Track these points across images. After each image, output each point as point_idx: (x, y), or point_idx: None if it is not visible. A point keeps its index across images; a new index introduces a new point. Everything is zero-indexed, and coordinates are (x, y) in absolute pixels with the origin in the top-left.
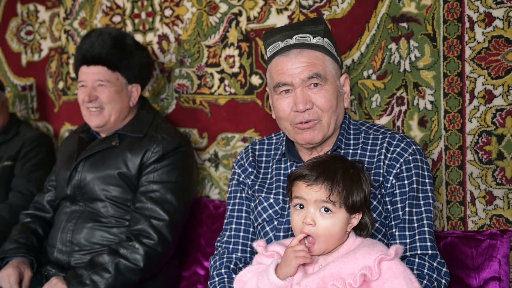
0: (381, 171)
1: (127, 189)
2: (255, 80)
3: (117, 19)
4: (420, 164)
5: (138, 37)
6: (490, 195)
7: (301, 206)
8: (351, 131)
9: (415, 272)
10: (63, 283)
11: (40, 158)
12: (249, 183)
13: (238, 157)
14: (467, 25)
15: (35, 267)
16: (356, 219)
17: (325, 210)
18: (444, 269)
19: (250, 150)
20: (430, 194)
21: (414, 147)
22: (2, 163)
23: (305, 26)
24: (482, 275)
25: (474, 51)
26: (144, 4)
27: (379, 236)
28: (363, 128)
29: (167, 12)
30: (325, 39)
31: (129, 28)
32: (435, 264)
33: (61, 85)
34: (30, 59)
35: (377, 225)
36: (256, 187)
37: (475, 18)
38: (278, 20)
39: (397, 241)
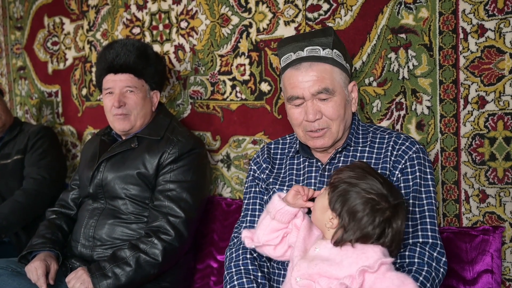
0: (388, 165)
1: (145, 188)
2: (264, 87)
3: (136, 30)
4: (422, 161)
5: (156, 47)
6: (483, 193)
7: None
8: (360, 131)
9: (416, 260)
10: (87, 275)
11: (46, 147)
12: (264, 177)
13: (255, 155)
14: (461, 36)
15: (60, 260)
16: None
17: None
18: (444, 259)
19: (266, 149)
20: (431, 188)
21: (417, 146)
22: (12, 157)
23: (316, 37)
24: (475, 268)
25: (467, 60)
26: (161, 17)
27: None
28: (371, 129)
29: (183, 24)
30: (334, 50)
31: (147, 39)
32: (435, 254)
33: (84, 91)
34: (56, 67)
35: None
36: (271, 180)
37: (468, 29)
38: (285, 31)
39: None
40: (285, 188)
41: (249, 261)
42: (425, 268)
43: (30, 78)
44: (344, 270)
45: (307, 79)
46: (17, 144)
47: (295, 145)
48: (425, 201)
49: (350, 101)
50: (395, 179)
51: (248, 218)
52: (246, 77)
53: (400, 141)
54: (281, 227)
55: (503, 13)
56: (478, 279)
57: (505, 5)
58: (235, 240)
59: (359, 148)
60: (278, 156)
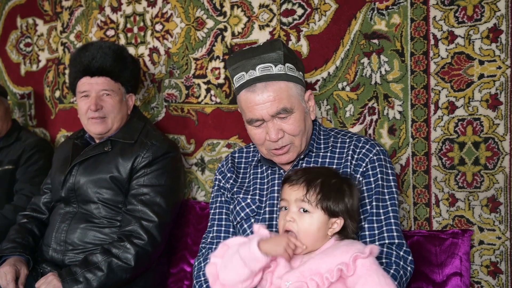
0: (349, 170)
1: (118, 192)
2: None
3: (111, 32)
4: (383, 163)
5: (131, 50)
6: (453, 197)
7: (285, 208)
8: (322, 137)
9: (384, 260)
10: (58, 280)
11: (42, 163)
12: (228, 186)
13: (219, 165)
14: (432, 42)
15: (31, 265)
16: (338, 225)
17: (303, 210)
18: (410, 257)
19: (230, 159)
20: (394, 189)
21: (378, 148)
22: (3, 166)
23: (265, 52)
24: (445, 271)
25: (438, 66)
26: (136, 19)
27: None
28: (332, 133)
29: (158, 27)
30: (286, 64)
31: (122, 41)
32: (401, 253)
33: (57, 93)
34: (29, 69)
35: None
36: (235, 189)
37: (439, 36)
38: (260, 35)
39: (366, 233)
40: (249, 197)
41: None
42: (393, 267)
43: (2, 80)
44: (337, 259)
45: (264, 100)
46: (11, 153)
47: (258, 154)
48: (388, 202)
49: (309, 111)
50: (357, 182)
51: (215, 228)
52: (221, 80)
53: (360, 144)
54: (255, 273)
55: (472, 20)
56: (448, 281)
57: (474, 12)
58: (203, 250)
59: (321, 153)
60: (242, 165)
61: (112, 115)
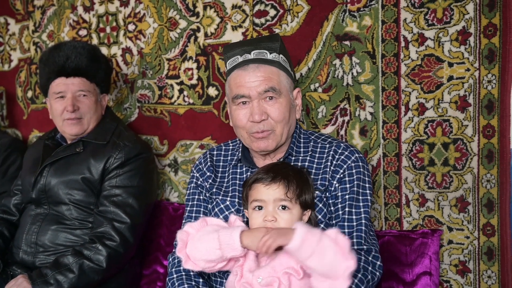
0: (327, 176)
1: (90, 193)
2: (212, 91)
3: (83, 32)
4: (361, 170)
5: (104, 50)
6: (423, 197)
7: (260, 207)
8: (302, 140)
9: None
10: (28, 282)
11: (20, 162)
12: (207, 186)
13: (197, 162)
14: (403, 44)
15: (1, 267)
16: (306, 216)
17: (282, 208)
18: (378, 263)
19: (208, 156)
20: (369, 197)
21: (356, 155)
22: None
23: (263, 42)
24: (415, 270)
25: (408, 67)
26: (109, 19)
27: None
28: (312, 137)
29: (131, 27)
30: (281, 55)
31: (94, 41)
32: (370, 258)
33: (30, 94)
34: (1, 69)
35: (322, 225)
36: (214, 190)
37: (409, 38)
38: (233, 36)
39: None
40: (228, 199)
41: None
42: (361, 272)
43: None
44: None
45: (254, 79)
46: None
47: (237, 153)
48: (362, 209)
49: (295, 106)
50: (333, 189)
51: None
52: (194, 81)
53: (340, 150)
54: (224, 259)
55: (442, 23)
56: (417, 281)
57: (444, 15)
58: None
59: (300, 157)
60: (221, 164)
61: (88, 115)
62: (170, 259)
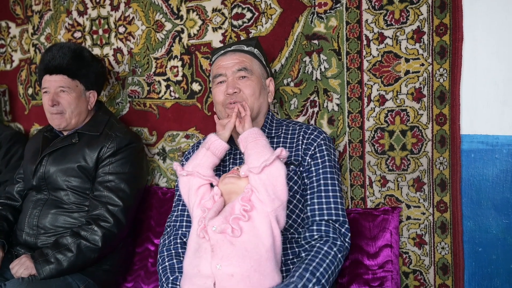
0: (300, 152)
1: (85, 179)
2: (195, 86)
3: (78, 34)
4: (329, 147)
5: (96, 50)
6: (384, 179)
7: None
8: (274, 124)
9: (331, 234)
10: (30, 261)
11: (22, 153)
12: None
13: (186, 152)
14: (365, 42)
15: (6, 248)
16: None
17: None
18: (349, 235)
19: (196, 146)
20: (337, 171)
21: (324, 135)
22: None
23: (243, 42)
24: (377, 243)
25: (370, 63)
26: (101, 22)
27: (300, 206)
28: (284, 123)
29: (121, 29)
30: (256, 49)
31: (88, 42)
32: (343, 230)
33: (30, 91)
34: (3, 68)
35: (298, 196)
36: None
37: (371, 37)
38: (213, 37)
39: (316, 206)
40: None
41: (179, 245)
42: (337, 242)
43: None
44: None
45: (230, 61)
46: None
47: None
48: (336, 181)
49: (267, 91)
50: (306, 163)
51: (180, 207)
52: (179, 78)
53: (309, 131)
54: (212, 162)
55: (399, 23)
56: (380, 252)
57: (401, 16)
58: (168, 229)
59: (273, 136)
60: None
61: (69, 110)
62: (161, 240)
